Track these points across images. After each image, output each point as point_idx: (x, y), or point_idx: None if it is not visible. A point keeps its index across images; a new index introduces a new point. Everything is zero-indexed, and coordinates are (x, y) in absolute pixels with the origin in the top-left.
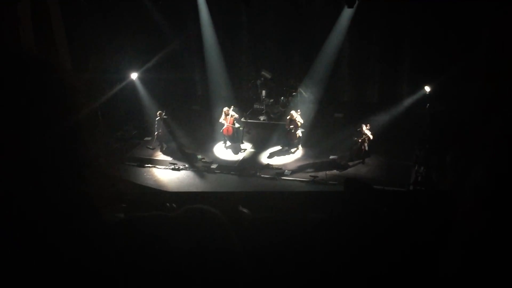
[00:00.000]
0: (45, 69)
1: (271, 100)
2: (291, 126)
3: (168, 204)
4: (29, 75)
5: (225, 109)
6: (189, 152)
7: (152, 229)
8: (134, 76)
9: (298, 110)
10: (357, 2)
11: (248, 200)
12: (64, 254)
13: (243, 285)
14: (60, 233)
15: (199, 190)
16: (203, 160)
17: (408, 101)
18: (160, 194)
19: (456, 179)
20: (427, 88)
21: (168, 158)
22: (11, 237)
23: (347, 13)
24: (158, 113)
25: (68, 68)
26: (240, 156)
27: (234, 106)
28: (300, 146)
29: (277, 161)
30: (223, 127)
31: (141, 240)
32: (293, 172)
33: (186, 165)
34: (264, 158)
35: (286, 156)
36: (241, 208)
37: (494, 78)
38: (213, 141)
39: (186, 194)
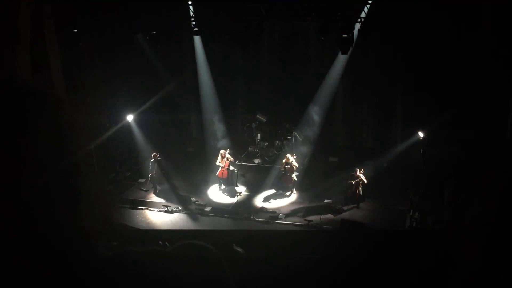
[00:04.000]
0: (44, 99)
1: (266, 143)
2: (287, 168)
3: (160, 242)
4: (26, 106)
5: (222, 151)
6: (183, 194)
7: (147, 264)
8: (130, 118)
9: (294, 154)
10: (351, 49)
11: (242, 240)
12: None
13: None
14: (52, 267)
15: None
16: (196, 202)
17: (402, 146)
18: (151, 233)
19: (453, 216)
20: (421, 134)
21: (162, 200)
22: (5, 270)
23: (341, 59)
24: (152, 155)
25: (66, 100)
26: (234, 199)
27: (229, 149)
28: (294, 190)
29: (271, 204)
30: (218, 170)
31: (135, 276)
32: (287, 215)
33: (180, 208)
34: (258, 201)
35: (281, 199)
36: (235, 247)
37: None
38: (207, 183)
39: (179, 232)
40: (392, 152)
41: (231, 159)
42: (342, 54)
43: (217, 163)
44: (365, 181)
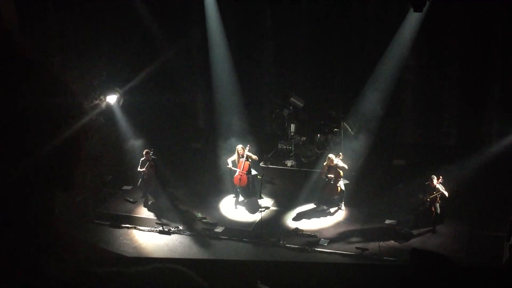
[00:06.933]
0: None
1: (303, 138)
2: (330, 176)
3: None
4: None
5: (239, 147)
6: (185, 208)
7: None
8: (112, 99)
9: (340, 153)
10: (428, 3)
11: (268, 274)
12: None
13: None
14: None
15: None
16: (204, 220)
17: (498, 145)
18: (141, 262)
19: None
20: None
21: (155, 217)
22: None
23: (412, 19)
24: (144, 153)
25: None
26: (257, 216)
27: (250, 146)
28: (342, 205)
29: (309, 225)
30: (235, 175)
31: None
32: (331, 241)
33: (180, 227)
34: (290, 220)
35: (323, 218)
36: (259, 285)
37: None
38: (219, 193)
39: (179, 262)
40: (485, 154)
41: (254, 157)
42: (414, 11)
43: (228, 161)
44: (446, 194)
